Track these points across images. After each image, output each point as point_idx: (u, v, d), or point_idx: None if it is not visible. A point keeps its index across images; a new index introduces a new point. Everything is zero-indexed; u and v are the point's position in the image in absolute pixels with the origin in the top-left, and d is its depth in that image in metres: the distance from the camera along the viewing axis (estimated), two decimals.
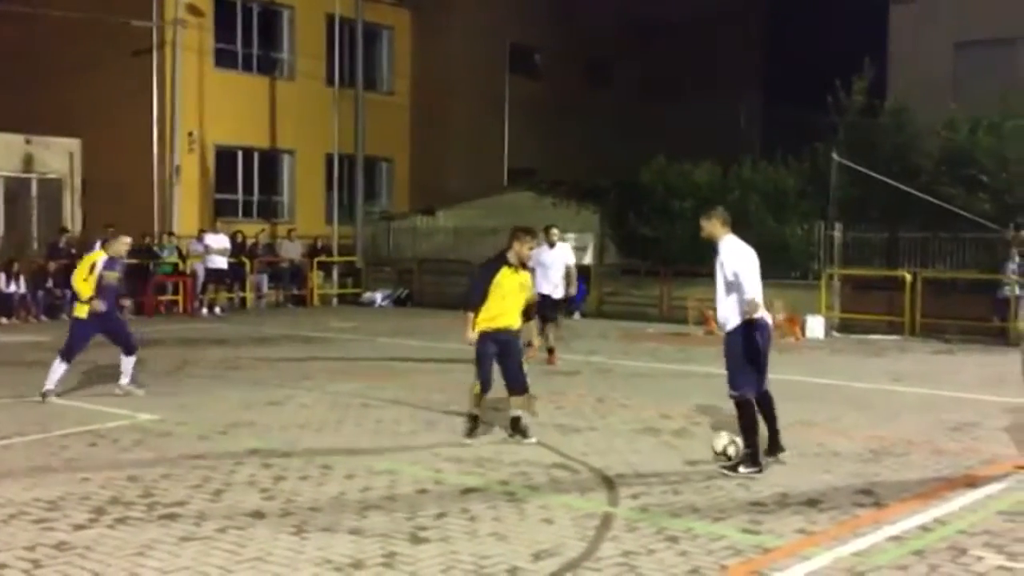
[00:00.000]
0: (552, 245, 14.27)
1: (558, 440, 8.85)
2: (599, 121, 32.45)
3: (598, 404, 10.86)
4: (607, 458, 8.16)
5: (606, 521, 6.40)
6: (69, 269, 20.65)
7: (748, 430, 7.70)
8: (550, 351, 13.95)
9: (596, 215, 24.02)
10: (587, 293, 22.94)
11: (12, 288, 20.11)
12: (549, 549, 5.80)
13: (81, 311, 10.88)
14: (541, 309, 13.71)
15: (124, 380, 11.20)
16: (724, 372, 8.00)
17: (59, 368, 10.80)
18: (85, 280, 10.86)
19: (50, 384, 10.73)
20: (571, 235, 23.72)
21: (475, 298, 8.48)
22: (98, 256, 11.11)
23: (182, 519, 6.34)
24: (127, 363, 11.20)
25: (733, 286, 7.58)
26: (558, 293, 14.14)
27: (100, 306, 10.76)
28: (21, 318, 19.93)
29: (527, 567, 5.51)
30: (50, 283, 20.73)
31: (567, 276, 14.23)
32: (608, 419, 9.96)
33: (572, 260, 14.55)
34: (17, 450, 8.35)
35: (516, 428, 8.74)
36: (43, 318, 20.14)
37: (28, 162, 23.38)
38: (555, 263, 14.17)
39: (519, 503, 6.81)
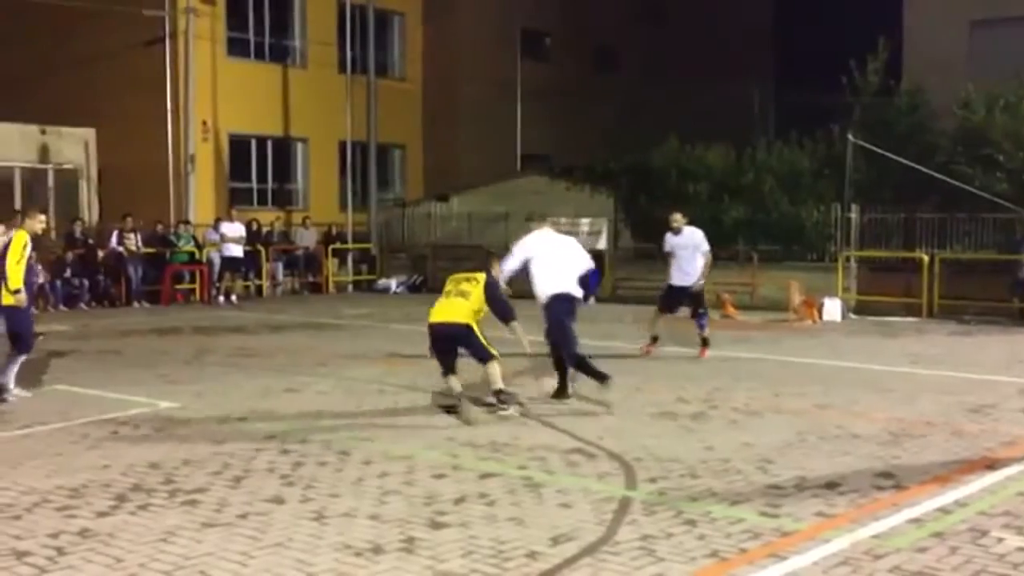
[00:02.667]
0: (676, 232, 13.33)
1: (575, 424, 8.86)
2: (611, 105, 32.36)
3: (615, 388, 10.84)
4: (624, 442, 8.16)
5: (624, 505, 6.41)
6: (85, 259, 20.96)
7: (584, 369, 9.66)
8: (655, 339, 13.41)
9: (609, 199, 23.99)
10: (601, 278, 22.91)
11: (31, 278, 20.20)
12: (567, 533, 5.82)
13: (14, 299, 10.00)
14: (667, 301, 13.42)
15: (11, 382, 10.09)
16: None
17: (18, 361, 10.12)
18: (18, 263, 9.96)
19: (11, 381, 10.08)
20: (584, 220, 23.73)
21: (512, 309, 9.47)
22: (25, 236, 10.12)
23: (203, 505, 6.38)
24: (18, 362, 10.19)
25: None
26: (688, 281, 13.14)
27: (24, 300, 10.04)
28: (39, 308, 20.03)
29: (546, 551, 5.53)
30: (68, 272, 20.83)
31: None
32: (625, 403, 9.96)
33: (705, 247, 13.27)
34: (39, 438, 8.41)
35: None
36: (61, 307, 20.25)
37: (44, 152, 23.49)
38: (682, 250, 13.26)
39: (537, 488, 6.83)
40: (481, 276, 9.52)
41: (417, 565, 5.32)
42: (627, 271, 23.26)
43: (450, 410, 9.26)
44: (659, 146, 23.42)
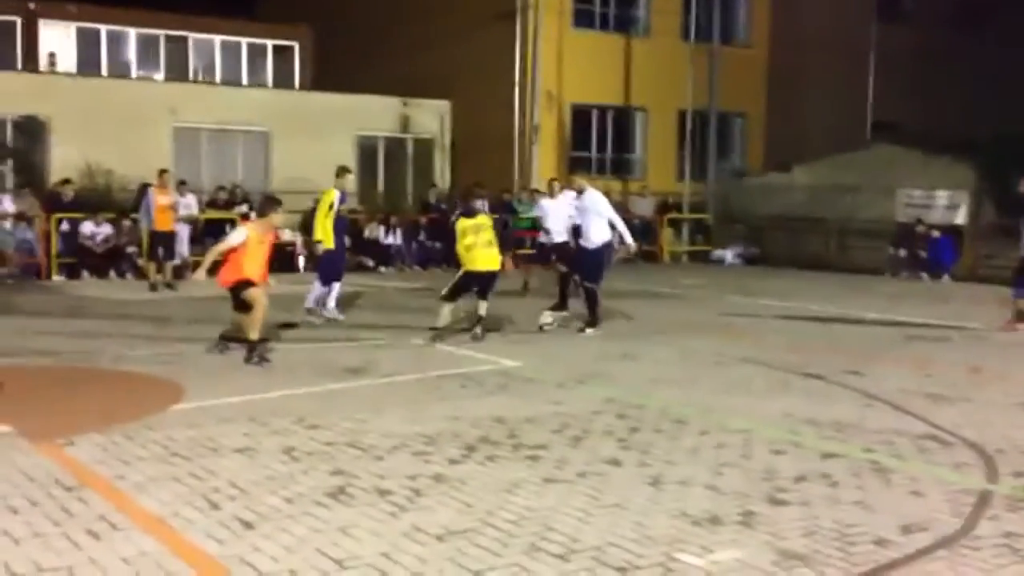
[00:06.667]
0: None
1: (928, 409, 8.30)
2: (974, 69, 29.77)
3: (972, 374, 10.05)
4: (984, 432, 7.53)
5: (984, 498, 5.92)
6: (438, 223, 22.35)
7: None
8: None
9: (970, 171, 22.13)
10: (959, 254, 21.28)
11: (389, 240, 21.92)
12: (919, 523, 5.46)
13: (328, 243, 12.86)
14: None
15: (310, 304, 12.96)
16: None
17: (319, 290, 13.01)
18: (326, 217, 12.72)
19: (311, 303, 12.98)
20: (941, 193, 22.09)
21: None
22: (333, 194, 12.82)
23: (545, 461, 6.61)
24: (322, 291, 13.00)
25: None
26: None
27: (325, 246, 12.76)
28: (397, 267, 21.69)
29: (895, 539, 5.21)
30: (422, 236, 22.33)
31: None
32: (984, 390, 9.19)
33: None
34: (398, 388, 9.10)
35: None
36: (416, 268, 21.76)
37: (404, 123, 25.30)
38: None
39: (885, 473, 6.46)
40: (485, 220, 11.77)
41: (756, 540, 5.21)
42: (989, 248, 21.38)
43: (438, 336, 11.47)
44: None
